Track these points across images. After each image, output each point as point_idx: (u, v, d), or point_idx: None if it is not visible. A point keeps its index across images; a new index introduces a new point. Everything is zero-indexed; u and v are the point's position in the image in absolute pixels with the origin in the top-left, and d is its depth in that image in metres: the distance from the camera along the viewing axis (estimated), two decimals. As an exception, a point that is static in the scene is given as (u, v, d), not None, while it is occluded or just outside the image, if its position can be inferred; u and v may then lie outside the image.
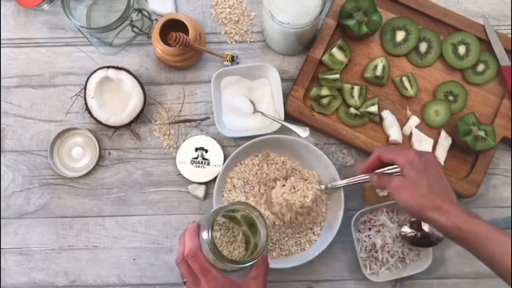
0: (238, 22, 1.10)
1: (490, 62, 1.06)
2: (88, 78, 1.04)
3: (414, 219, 1.01)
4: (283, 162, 1.03)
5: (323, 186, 1.00)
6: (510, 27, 1.10)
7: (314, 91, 1.05)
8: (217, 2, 1.10)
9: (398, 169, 0.85)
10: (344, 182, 0.97)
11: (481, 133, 1.00)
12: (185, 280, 0.80)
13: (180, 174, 1.06)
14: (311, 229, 1.02)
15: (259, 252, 0.79)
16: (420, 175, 0.81)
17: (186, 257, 0.78)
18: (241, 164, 1.03)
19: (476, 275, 1.05)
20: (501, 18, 1.10)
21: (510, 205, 1.07)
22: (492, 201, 1.07)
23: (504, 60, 1.05)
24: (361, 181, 0.93)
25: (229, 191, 1.02)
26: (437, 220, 0.78)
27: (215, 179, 1.02)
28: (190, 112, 1.08)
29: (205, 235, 0.78)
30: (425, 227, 1.00)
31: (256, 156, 1.03)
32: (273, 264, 0.98)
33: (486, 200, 1.07)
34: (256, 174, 1.02)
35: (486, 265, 0.77)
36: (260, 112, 1.05)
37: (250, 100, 1.06)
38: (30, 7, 1.08)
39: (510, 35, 1.07)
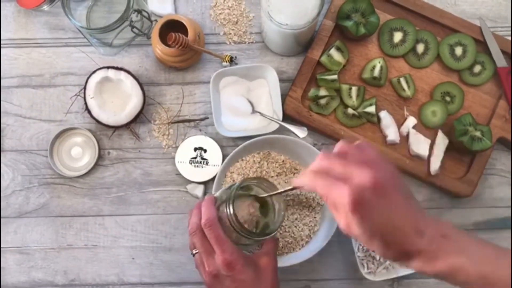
0: (237, 23, 1.13)
1: (486, 63, 1.09)
2: (88, 78, 1.07)
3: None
4: (283, 161, 1.07)
5: None
6: (506, 29, 1.13)
7: (312, 92, 1.08)
8: (216, 3, 1.14)
9: None
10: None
11: (478, 134, 1.03)
12: (195, 252, 0.82)
13: (179, 174, 1.09)
14: (309, 227, 1.06)
15: (277, 224, 0.83)
16: (369, 220, 0.62)
17: (204, 226, 0.79)
18: (242, 160, 1.07)
19: (473, 274, 1.08)
20: (497, 19, 1.13)
21: (509, 206, 1.10)
22: (488, 201, 1.10)
23: (500, 61, 1.08)
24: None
25: (228, 184, 1.06)
26: (409, 266, 0.66)
27: (213, 178, 1.06)
28: (189, 112, 1.11)
29: (223, 207, 0.80)
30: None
31: (258, 153, 1.07)
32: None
33: (482, 200, 1.10)
34: (256, 171, 1.06)
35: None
36: (259, 113, 1.08)
37: (249, 101, 1.09)
38: (31, 8, 1.11)
39: (506, 37, 1.10)
